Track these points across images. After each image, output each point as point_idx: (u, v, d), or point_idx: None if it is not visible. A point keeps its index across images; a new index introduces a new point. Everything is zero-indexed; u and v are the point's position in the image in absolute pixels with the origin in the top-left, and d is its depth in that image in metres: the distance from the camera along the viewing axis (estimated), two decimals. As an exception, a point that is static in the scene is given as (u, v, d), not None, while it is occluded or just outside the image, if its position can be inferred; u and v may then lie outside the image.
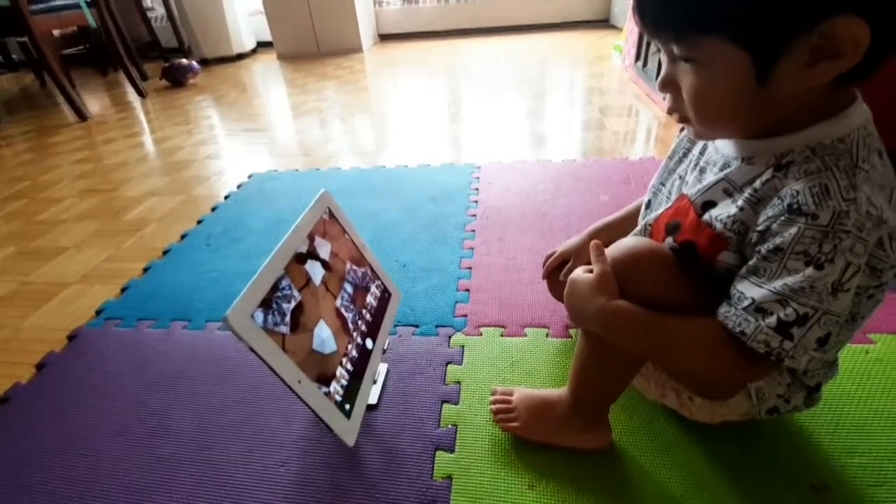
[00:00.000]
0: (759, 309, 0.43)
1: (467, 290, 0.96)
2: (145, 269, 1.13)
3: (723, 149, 0.51)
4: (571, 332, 0.84)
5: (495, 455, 0.63)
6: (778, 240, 0.42)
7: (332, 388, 0.59)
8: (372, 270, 0.79)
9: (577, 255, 0.77)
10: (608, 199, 1.28)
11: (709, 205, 0.49)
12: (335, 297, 0.67)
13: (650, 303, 0.49)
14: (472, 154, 1.68)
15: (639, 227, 0.59)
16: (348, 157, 1.75)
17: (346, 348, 0.65)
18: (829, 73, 0.39)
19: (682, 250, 0.50)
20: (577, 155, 1.61)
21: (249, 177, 1.61)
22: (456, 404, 0.71)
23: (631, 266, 0.50)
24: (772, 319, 0.42)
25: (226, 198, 1.48)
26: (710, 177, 0.51)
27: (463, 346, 0.82)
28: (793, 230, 0.41)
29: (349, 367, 0.64)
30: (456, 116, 2.12)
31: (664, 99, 0.49)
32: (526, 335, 0.84)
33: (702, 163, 0.54)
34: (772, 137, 0.45)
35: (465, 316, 0.89)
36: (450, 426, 0.68)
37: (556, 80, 2.61)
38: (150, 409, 0.75)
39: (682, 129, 0.62)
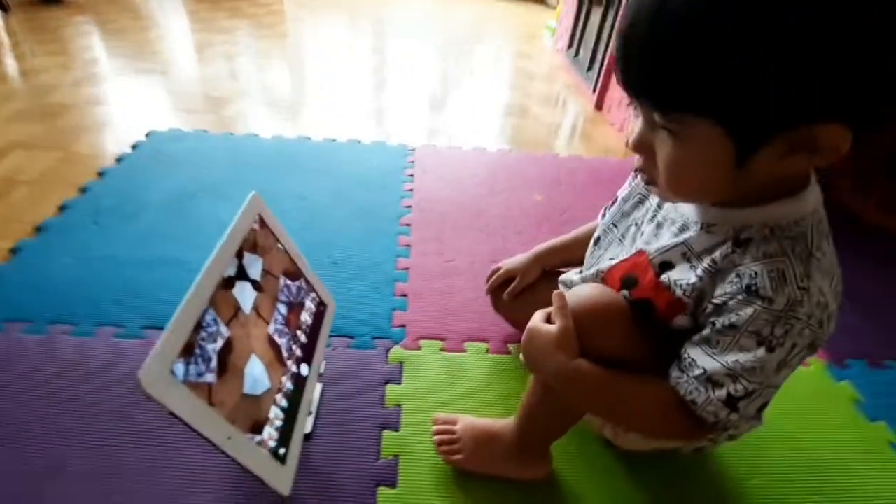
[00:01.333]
0: (709, 380, 0.44)
1: (405, 296, 0.92)
2: (13, 251, 0.93)
3: (682, 209, 0.51)
4: (510, 347, 0.84)
5: (439, 490, 0.62)
6: (734, 317, 0.43)
7: (265, 435, 0.53)
8: (307, 282, 0.71)
9: (522, 275, 0.76)
10: (542, 199, 1.28)
11: (666, 265, 0.49)
12: (267, 323, 0.59)
13: (606, 357, 0.49)
14: (399, 128, 1.59)
15: (591, 272, 0.58)
16: (262, 114, 1.55)
17: (281, 382, 0.59)
18: (804, 166, 0.39)
19: (638, 307, 0.51)
20: (507, 142, 1.60)
21: (147, 135, 1.38)
22: (397, 430, 0.68)
23: (593, 319, 0.50)
24: (721, 392, 0.44)
25: (118, 161, 1.25)
26: (668, 235, 0.51)
27: (402, 363, 0.78)
28: (749, 311, 0.42)
29: (283, 403, 0.58)
30: (382, 83, 1.99)
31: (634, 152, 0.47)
32: (466, 350, 0.82)
33: (659, 217, 0.54)
34: (732, 208, 0.45)
35: (404, 326, 0.85)
36: (391, 457, 0.65)
37: (486, 56, 2.55)
38: (31, 452, 0.63)
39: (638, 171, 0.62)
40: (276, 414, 0.56)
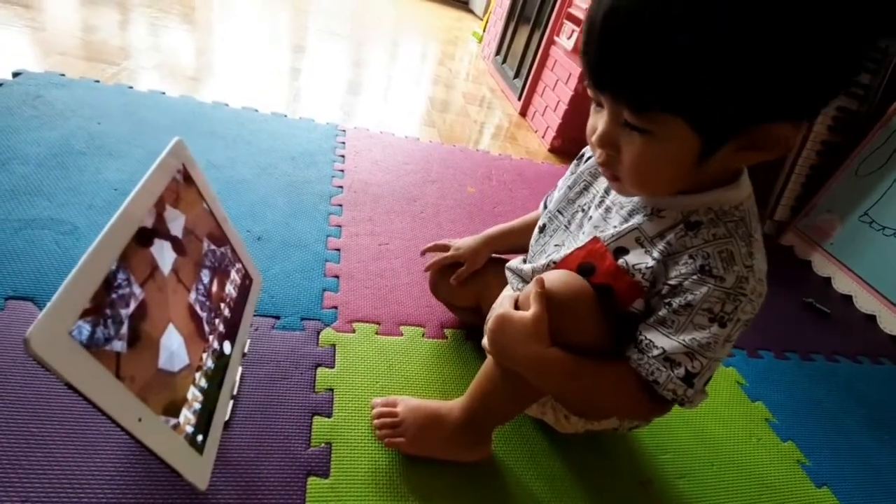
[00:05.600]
0: (668, 359, 0.46)
1: (336, 277, 0.85)
2: None
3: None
4: (447, 332, 0.82)
5: (376, 478, 0.57)
6: (689, 296, 0.45)
7: (181, 419, 0.45)
8: (233, 250, 0.62)
9: (473, 259, 0.74)
10: (475, 191, 1.29)
11: (621, 251, 0.51)
12: (188, 290, 0.51)
13: (576, 343, 0.49)
14: (326, 109, 1.50)
15: (542, 262, 0.58)
16: (154, 77, 1.36)
17: (201, 359, 0.50)
18: (753, 160, 0.43)
19: (599, 293, 0.51)
20: (438, 135, 1.59)
21: (15, 75, 1.14)
22: (329, 417, 0.62)
23: (570, 306, 0.49)
24: (680, 371, 0.46)
25: (-29, 100, 1.02)
26: (617, 219, 0.52)
27: (334, 345, 0.72)
28: (703, 289, 0.45)
29: (203, 383, 0.50)
30: (303, 64, 1.86)
31: (596, 156, 0.48)
32: (402, 334, 0.79)
33: (608, 202, 0.55)
34: (679, 195, 0.48)
35: (336, 308, 0.79)
36: (323, 445, 0.59)
37: (412, 52, 2.54)
38: None
39: (580, 160, 0.63)
40: (194, 395, 0.48)
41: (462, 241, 0.76)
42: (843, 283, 1.35)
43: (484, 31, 2.86)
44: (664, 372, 0.46)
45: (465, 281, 0.74)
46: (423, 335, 0.80)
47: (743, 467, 0.75)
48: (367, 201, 1.09)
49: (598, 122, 0.45)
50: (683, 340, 0.46)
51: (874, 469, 0.82)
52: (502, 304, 0.52)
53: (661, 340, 0.47)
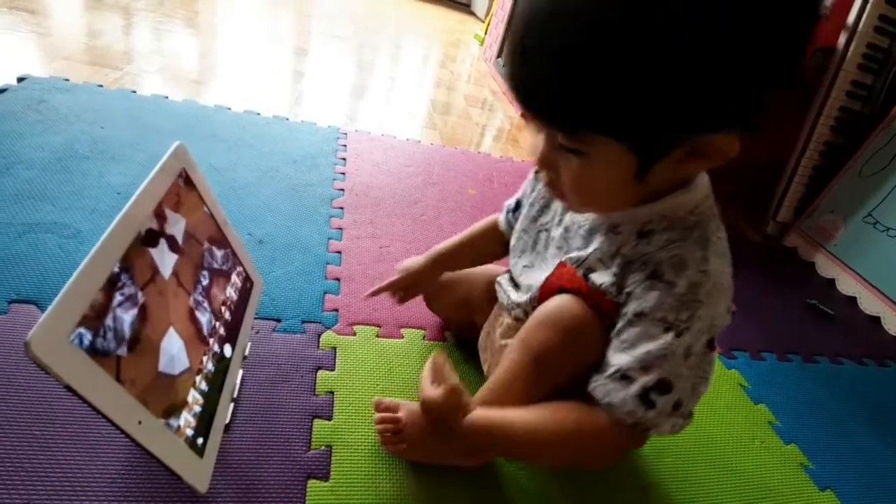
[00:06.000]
0: (624, 377, 0.44)
1: (337, 280, 0.86)
2: None
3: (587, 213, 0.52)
4: (446, 334, 0.82)
5: (377, 481, 0.57)
6: (642, 303, 0.44)
7: (181, 421, 0.45)
8: (233, 253, 0.63)
9: (417, 281, 0.73)
10: (476, 193, 1.29)
11: (589, 270, 0.50)
12: (189, 294, 0.51)
13: (592, 364, 0.48)
14: (328, 113, 1.50)
15: (526, 297, 0.58)
16: (157, 81, 1.37)
17: (202, 362, 0.50)
18: (697, 170, 0.43)
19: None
20: (440, 137, 1.59)
21: (20, 80, 1.15)
22: (329, 420, 0.62)
23: (583, 331, 0.48)
24: (636, 387, 0.43)
25: (-23, 105, 1.03)
26: (578, 240, 0.53)
27: (335, 348, 0.73)
28: (653, 294, 0.44)
29: (203, 386, 0.50)
30: (305, 67, 1.87)
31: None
32: (403, 336, 0.79)
33: (566, 221, 0.55)
34: (633, 208, 0.47)
35: (337, 310, 0.79)
36: (323, 448, 0.59)
37: (415, 54, 2.55)
38: None
39: (538, 174, 0.63)
40: (194, 398, 0.48)
41: (409, 262, 0.74)
42: (847, 285, 1.34)
43: (486, 33, 2.86)
44: (619, 392, 0.43)
45: (450, 297, 0.75)
46: (423, 338, 0.80)
47: (745, 470, 0.74)
48: (369, 204, 1.10)
49: (539, 142, 0.45)
50: (638, 354, 0.43)
51: (878, 472, 0.81)
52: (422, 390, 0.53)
53: (617, 358, 0.45)
